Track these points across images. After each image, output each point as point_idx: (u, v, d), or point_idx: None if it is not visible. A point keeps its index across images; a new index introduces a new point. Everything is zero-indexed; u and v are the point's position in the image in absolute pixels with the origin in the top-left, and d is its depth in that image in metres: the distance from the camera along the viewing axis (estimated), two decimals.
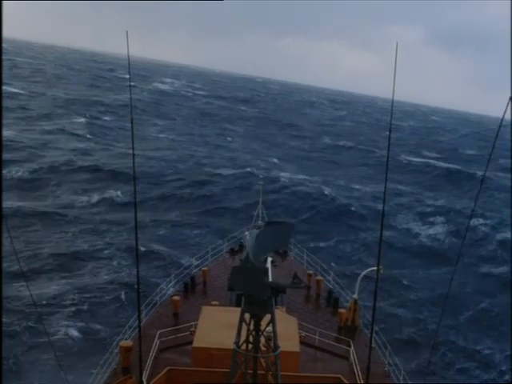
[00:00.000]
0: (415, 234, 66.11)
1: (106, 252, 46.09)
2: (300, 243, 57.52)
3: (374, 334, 16.74)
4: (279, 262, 29.92)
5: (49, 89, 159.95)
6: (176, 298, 22.48)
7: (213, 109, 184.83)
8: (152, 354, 18.42)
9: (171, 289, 23.82)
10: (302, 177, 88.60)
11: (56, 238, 48.28)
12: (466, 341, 39.63)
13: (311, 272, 28.33)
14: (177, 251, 49.17)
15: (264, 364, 12.93)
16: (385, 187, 13.85)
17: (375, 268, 15.29)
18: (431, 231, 67.49)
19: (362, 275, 22.33)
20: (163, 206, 63.36)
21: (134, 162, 14.91)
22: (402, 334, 39.54)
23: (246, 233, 28.24)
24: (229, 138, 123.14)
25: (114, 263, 43.29)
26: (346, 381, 17.26)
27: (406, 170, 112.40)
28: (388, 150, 14.03)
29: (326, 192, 78.02)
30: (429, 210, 77.60)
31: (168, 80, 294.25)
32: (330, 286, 25.75)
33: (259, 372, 12.49)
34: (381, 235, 12.69)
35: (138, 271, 14.46)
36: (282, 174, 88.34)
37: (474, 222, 71.32)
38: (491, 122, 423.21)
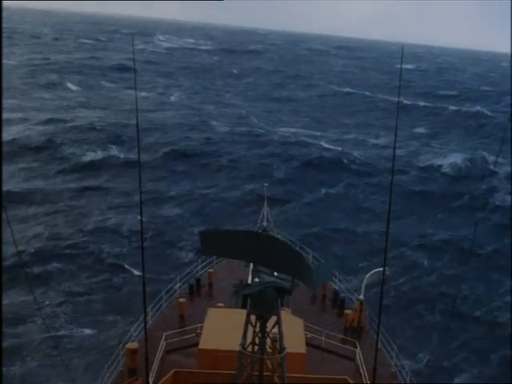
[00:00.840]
0: (428, 176, 64.56)
1: (112, 221, 44.72)
2: (311, 192, 56.63)
3: (380, 335, 16.59)
4: None
5: (51, 54, 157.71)
6: (182, 300, 22.66)
7: (214, 64, 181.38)
8: (158, 355, 18.64)
9: (177, 291, 23.90)
10: (307, 128, 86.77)
11: (56, 209, 46.77)
12: (486, 284, 38.51)
13: None
14: (187, 217, 47.77)
15: (270, 365, 12.95)
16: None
17: (381, 269, 14.94)
18: (443, 172, 65.81)
19: (367, 276, 22.08)
20: (167, 165, 61.90)
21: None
22: (421, 282, 38.53)
23: None
24: (227, 95, 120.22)
25: (119, 244, 41.18)
26: (352, 382, 17.28)
27: (416, 111, 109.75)
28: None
29: (330, 141, 76.53)
30: (442, 151, 75.59)
31: (168, 37, 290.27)
32: (336, 287, 25.21)
33: (265, 373, 12.56)
34: (386, 237, 12.34)
35: (143, 275, 14.30)
36: (286, 126, 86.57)
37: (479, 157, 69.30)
38: (503, 58, 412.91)
